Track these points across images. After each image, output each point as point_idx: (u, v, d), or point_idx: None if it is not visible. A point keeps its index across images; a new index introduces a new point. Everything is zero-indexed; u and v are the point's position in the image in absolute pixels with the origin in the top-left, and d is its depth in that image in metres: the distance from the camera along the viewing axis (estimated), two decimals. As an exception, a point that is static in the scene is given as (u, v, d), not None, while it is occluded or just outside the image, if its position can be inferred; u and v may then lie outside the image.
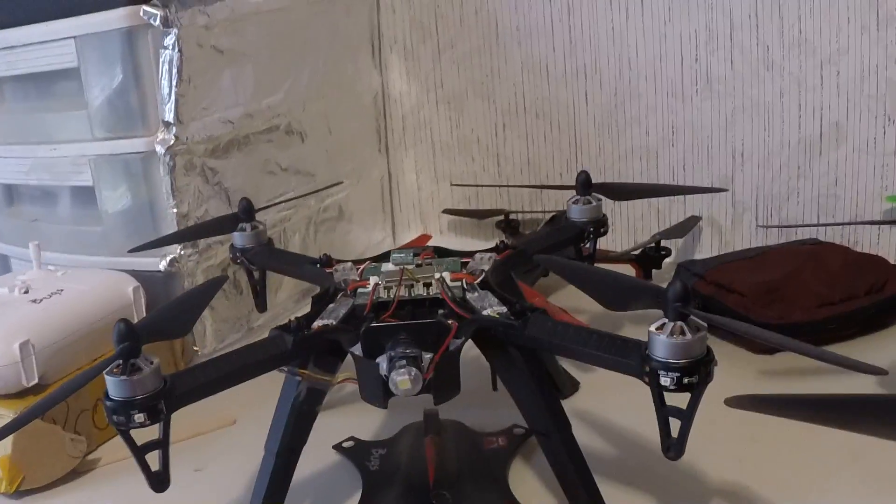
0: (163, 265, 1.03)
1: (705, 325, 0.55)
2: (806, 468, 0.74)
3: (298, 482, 0.71)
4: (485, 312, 0.67)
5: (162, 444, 0.59)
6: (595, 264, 0.85)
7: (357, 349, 0.65)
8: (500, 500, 0.73)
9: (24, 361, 0.84)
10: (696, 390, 0.54)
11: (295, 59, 1.21)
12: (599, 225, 0.88)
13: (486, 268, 0.77)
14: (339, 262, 0.82)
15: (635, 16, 1.23)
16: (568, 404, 0.84)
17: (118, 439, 0.58)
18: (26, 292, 0.94)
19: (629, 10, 1.23)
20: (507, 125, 1.38)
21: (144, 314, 0.99)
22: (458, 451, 0.79)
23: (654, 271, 1.17)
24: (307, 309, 0.73)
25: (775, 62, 1.15)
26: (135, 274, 1.02)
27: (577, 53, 1.29)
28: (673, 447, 0.56)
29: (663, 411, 0.56)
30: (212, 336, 1.09)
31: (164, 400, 0.58)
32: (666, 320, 0.55)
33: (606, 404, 0.87)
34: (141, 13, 0.97)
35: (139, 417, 0.57)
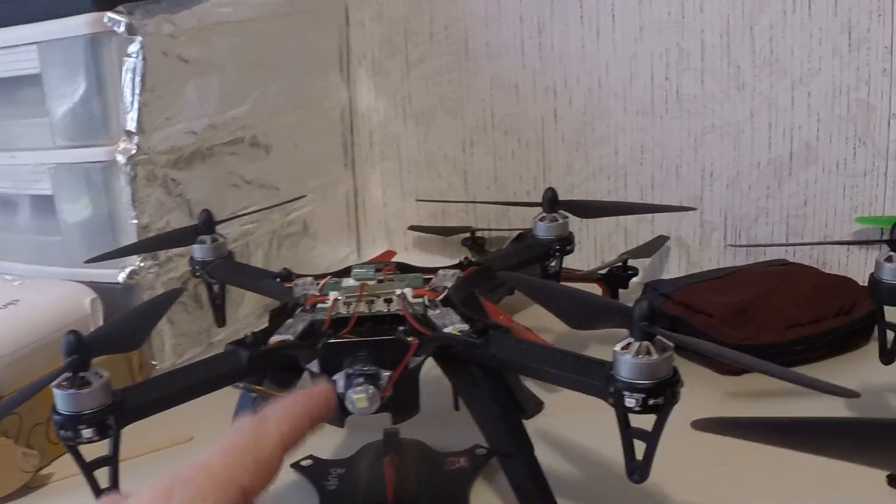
0: (122, 277, 1.01)
1: (672, 345, 0.54)
2: (776, 493, 0.73)
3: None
4: (446, 330, 0.66)
5: (111, 460, 0.58)
6: (561, 283, 0.84)
7: (314, 366, 0.64)
8: (461, 523, 0.72)
9: (-25, 373, 0.82)
10: (662, 412, 0.53)
11: (262, 71, 1.19)
12: (566, 243, 0.87)
13: (450, 284, 0.76)
14: (299, 276, 0.81)
15: (606, 34, 1.23)
16: (532, 424, 0.83)
17: (72, 454, 0.57)
18: (-20, 302, 0.92)
19: (600, 28, 1.23)
20: (476, 142, 1.37)
21: (101, 326, 0.97)
22: (419, 471, 0.77)
23: (620, 291, 1.16)
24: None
25: (746, 82, 1.15)
26: (93, 285, 1.00)
27: (546, 71, 1.28)
28: (637, 470, 0.55)
29: (628, 433, 0.55)
30: (170, 350, 1.06)
31: (114, 415, 0.57)
32: (632, 340, 0.54)
33: (571, 425, 0.85)
34: (105, 20, 0.95)
35: (87, 433, 0.56)
